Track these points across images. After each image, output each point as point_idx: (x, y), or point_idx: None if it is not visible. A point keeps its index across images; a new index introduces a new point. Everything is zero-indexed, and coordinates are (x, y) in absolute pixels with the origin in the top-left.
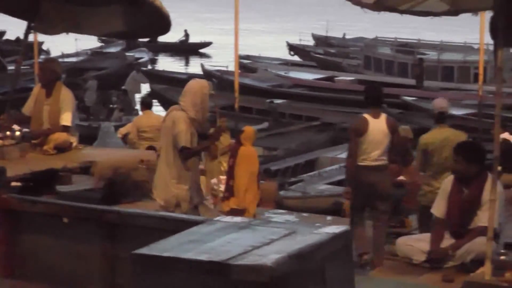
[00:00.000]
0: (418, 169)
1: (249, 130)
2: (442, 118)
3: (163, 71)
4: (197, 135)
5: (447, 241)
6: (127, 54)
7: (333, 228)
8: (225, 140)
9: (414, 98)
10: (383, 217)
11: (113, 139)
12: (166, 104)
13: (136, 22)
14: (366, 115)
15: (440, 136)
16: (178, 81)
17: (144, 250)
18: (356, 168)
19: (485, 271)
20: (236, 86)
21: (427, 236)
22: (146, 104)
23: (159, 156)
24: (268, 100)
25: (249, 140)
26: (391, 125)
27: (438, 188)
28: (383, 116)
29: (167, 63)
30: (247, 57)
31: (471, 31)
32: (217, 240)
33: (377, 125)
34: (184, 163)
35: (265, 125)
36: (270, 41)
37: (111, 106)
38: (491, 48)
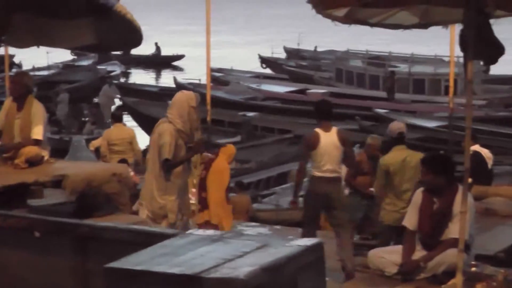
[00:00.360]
0: (378, 190)
1: (231, 147)
2: (400, 139)
3: (134, 84)
4: (185, 147)
5: (419, 253)
6: (99, 67)
7: (306, 240)
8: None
9: (386, 111)
10: (345, 226)
11: (84, 153)
12: (138, 117)
13: (108, 35)
14: (317, 129)
15: (400, 157)
16: (149, 94)
17: (117, 264)
18: (311, 179)
19: (457, 283)
20: (208, 99)
21: (399, 248)
22: (117, 117)
23: (147, 168)
24: (240, 113)
25: (228, 156)
26: (342, 138)
27: (402, 208)
28: (334, 130)
29: (139, 76)
30: (219, 70)
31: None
32: (189, 253)
33: (329, 139)
34: (167, 174)
35: (237, 138)
36: (241, 54)
37: (83, 119)
38: (462, 60)
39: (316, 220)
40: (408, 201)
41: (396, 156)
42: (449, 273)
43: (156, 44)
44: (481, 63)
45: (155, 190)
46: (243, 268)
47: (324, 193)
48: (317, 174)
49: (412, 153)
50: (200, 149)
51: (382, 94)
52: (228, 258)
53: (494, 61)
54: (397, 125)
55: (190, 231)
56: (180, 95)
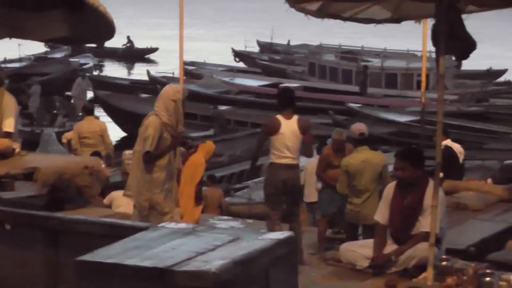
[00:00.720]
0: (340, 188)
1: (211, 144)
2: (362, 140)
3: (106, 77)
4: (171, 140)
5: (390, 247)
6: (71, 59)
7: (277, 234)
8: None
9: (359, 105)
10: (296, 213)
11: (54, 146)
12: (109, 110)
13: (80, 28)
14: (278, 116)
15: (360, 158)
16: (121, 87)
17: (88, 257)
18: (270, 166)
19: (427, 277)
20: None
21: (370, 242)
22: (88, 110)
23: (133, 160)
24: (211, 106)
25: (206, 153)
26: (302, 126)
27: (358, 206)
28: (295, 118)
29: (113, 69)
30: (192, 63)
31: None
32: (161, 246)
33: (289, 126)
34: (148, 167)
35: (210, 131)
36: (215, 47)
37: (54, 111)
38: (434, 55)
39: (280, 206)
40: (365, 200)
41: (357, 157)
42: (420, 267)
43: (128, 37)
44: (453, 58)
45: (141, 182)
46: (214, 262)
47: (283, 180)
48: (276, 161)
49: (373, 154)
50: (178, 142)
51: (355, 88)
52: (199, 251)
53: (465, 56)
54: (357, 127)
55: (162, 224)
56: (167, 88)
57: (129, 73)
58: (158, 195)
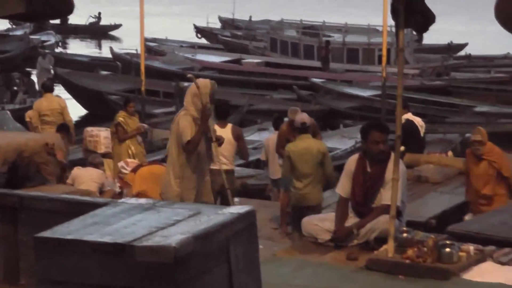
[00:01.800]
0: (284, 173)
1: None
2: (304, 129)
3: (66, 54)
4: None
5: (352, 220)
6: (33, 37)
7: (238, 208)
8: (133, 123)
9: (322, 80)
10: None
11: (10, 125)
12: (70, 88)
13: (36, 4)
14: (215, 125)
15: (302, 146)
16: (81, 64)
17: (47, 233)
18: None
19: (388, 249)
20: (142, 69)
21: (331, 215)
22: (46, 88)
23: (167, 157)
24: (173, 83)
25: None
26: (236, 134)
27: (300, 189)
28: (229, 126)
29: (76, 46)
30: (154, 40)
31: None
32: (121, 222)
33: (223, 134)
34: (189, 158)
35: (173, 108)
36: (175, 24)
37: (14, 88)
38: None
39: None
40: (307, 184)
41: (299, 144)
42: (381, 240)
43: (99, 13)
44: (413, 32)
45: (172, 178)
46: (174, 236)
47: (220, 183)
48: (213, 166)
49: (314, 142)
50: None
51: (317, 63)
52: (160, 226)
53: (424, 29)
54: (300, 117)
55: (122, 199)
56: (193, 84)
57: (93, 50)
58: (189, 191)
